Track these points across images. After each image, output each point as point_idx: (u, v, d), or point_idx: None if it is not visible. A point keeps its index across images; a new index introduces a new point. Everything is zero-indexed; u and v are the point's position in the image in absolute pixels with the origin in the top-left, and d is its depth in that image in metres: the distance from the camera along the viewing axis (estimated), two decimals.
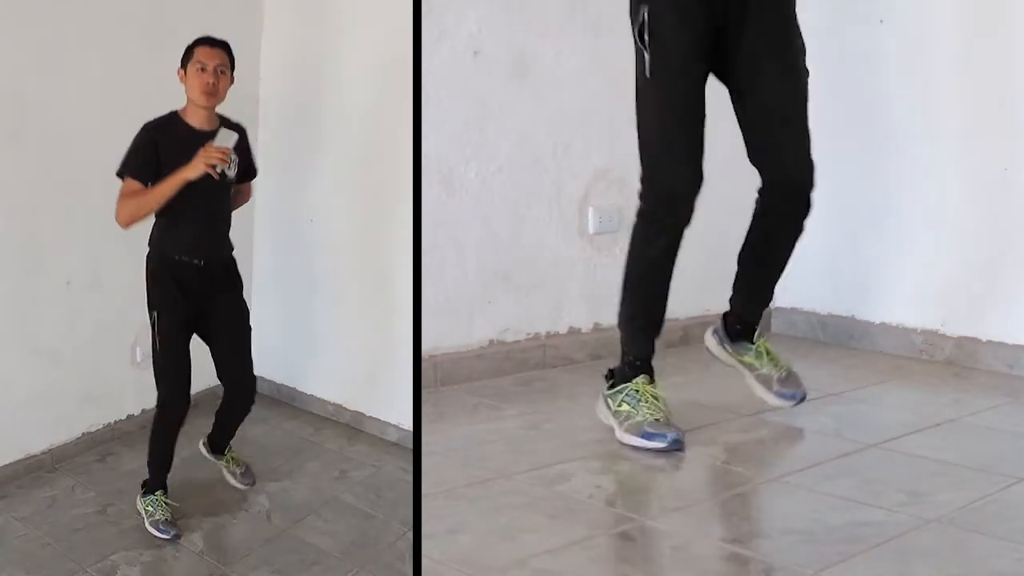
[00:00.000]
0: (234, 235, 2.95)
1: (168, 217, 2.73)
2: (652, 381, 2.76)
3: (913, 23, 3.64)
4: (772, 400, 2.85)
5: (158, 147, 2.71)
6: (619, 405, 2.74)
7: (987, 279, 3.53)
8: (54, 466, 3.25)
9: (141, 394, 3.59)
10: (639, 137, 2.70)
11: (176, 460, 3.01)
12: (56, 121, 3.18)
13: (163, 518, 2.78)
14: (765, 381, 2.86)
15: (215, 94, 2.73)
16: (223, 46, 2.77)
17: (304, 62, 3.83)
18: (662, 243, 2.71)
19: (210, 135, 2.70)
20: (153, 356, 2.82)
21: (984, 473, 2.49)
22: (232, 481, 3.08)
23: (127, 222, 2.71)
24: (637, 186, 3.67)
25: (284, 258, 3.96)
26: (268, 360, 3.97)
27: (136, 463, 3.31)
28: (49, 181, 3.18)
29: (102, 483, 3.16)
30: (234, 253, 2.94)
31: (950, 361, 3.59)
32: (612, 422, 2.75)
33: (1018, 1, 3.40)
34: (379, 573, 2.66)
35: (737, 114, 2.67)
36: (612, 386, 2.80)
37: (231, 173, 2.79)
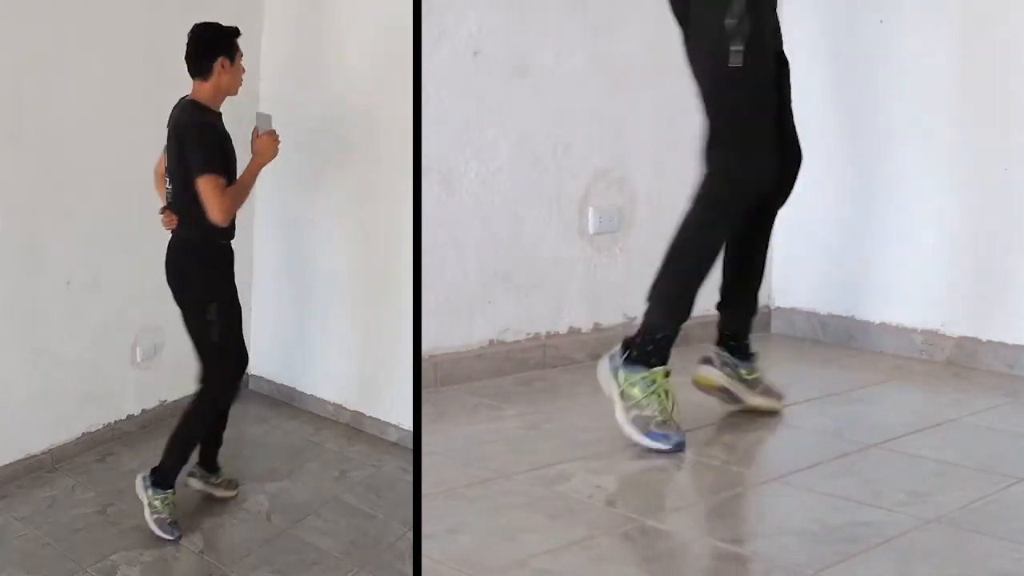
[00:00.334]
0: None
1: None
2: (669, 374, 2.71)
3: (913, 23, 3.64)
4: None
5: (222, 139, 2.80)
6: (631, 386, 2.67)
7: (987, 279, 3.53)
8: (54, 466, 3.26)
9: (141, 394, 3.60)
10: (719, 126, 2.65)
11: None
12: (56, 121, 3.18)
13: (170, 519, 2.78)
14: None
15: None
16: None
17: (304, 62, 3.83)
18: (724, 230, 2.73)
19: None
20: (206, 344, 2.84)
21: (984, 473, 2.49)
22: (221, 494, 3.05)
23: (226, 216, 2.72)
24: (637, 186, 3.67)
25: (284, 258, 3.96)
26: (268, 360, 3.98)
27: (136, 463, 3.32)
28: (49, 181, 3.18)
29: (102, 483, 3.16)
30: (235, 253, 2.97)
31: (950, 361, 3.58)
32: (615, 395, 2.69)
33: (1017, 1, 3.40)
34: (379, 573, 2.66)
35: None
36: (628, 358, 2.71)
37: None
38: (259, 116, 2.90)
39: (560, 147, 3.51)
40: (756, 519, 2.32)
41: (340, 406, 3.80)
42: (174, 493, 2.82)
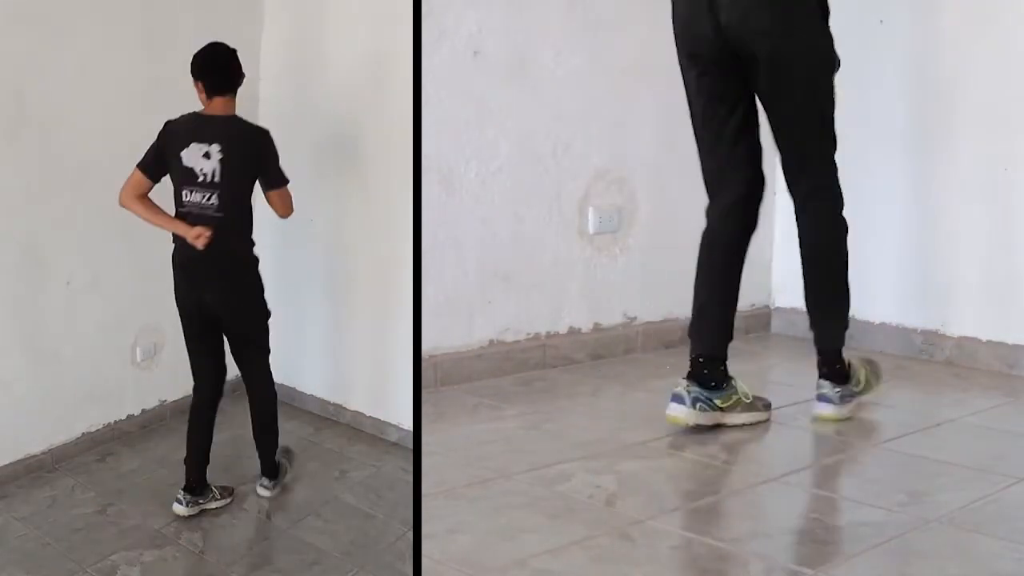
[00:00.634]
0: None
1: None
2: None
3: (913, 23, 3.64)
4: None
5: None
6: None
7: (987, 279, 3.53)
8: (54, 466, 3.25)
9: (141, 394, 3.60)
10: (828, 140, 2.86)
11: (174, 458, 3.02)
12: (56, 121, 3.18)
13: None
14: None
15: None
16: None
17: (304, 62, 3.83)
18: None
19: None
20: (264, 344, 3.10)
21: (984, 473, 2.49)
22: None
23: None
24: (637, 186, 3.67)
25: (284, 258, 3.96)
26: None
27: (136, 463, 3.32)
28: (49, 181, 3.18)
29: (102, 483, 3.16)
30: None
31: (950, 361, 3.58)
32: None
33: (1017, 1, 3.40)
34: (379, 573, 2.66)
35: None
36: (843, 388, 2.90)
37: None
38: None
39: (560, 147, 3.51)
40: (756, 519, 2.32)
41: (340, 406, 3.80)
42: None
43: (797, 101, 2.75)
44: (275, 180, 2.92)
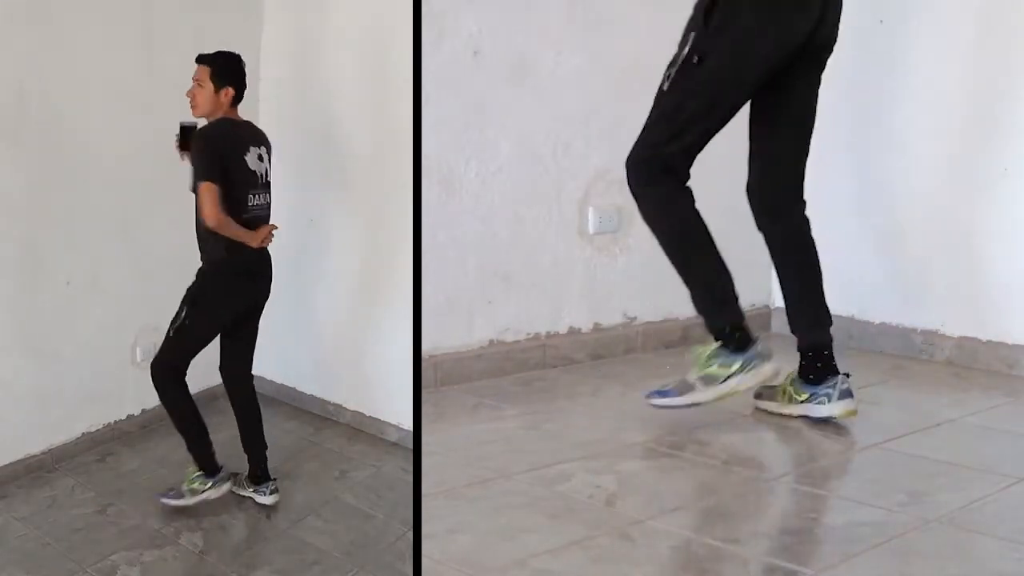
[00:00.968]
0: None
1: None
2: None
3: (913, 23, 3.64)
4: None
5: None
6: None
7: (987, 279, 3.53)
8: (54, 466, 3.25)
9: (141, 394, 3.60)
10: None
11: (174, 458, 3.02)
12: (56, 121, 3.18)
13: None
14: None
15: (192, 105, 2.89)
16: (205, 61, 2.88)
17: (304, 62, 3.83)
18: None
19: None
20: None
21: (984, 473, 2.49)
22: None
23: None
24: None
25: (284, 258, 3.96)
26: (268, 360, 3.96)
27: (136, 463, 3.32)
28: (49, 181, 3.18)
29: (102, 483, 3.16)
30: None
31: (950, 361, 3.58)
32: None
33: (1018, 1, 3.40)
34: (379, 573, 2.66)
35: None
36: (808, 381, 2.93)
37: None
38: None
39: (560, 147, 3.51)
40: (756, 519, 2.32)
41: (340, 406, 3.80)
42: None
43: (817, 91, 2.84)
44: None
